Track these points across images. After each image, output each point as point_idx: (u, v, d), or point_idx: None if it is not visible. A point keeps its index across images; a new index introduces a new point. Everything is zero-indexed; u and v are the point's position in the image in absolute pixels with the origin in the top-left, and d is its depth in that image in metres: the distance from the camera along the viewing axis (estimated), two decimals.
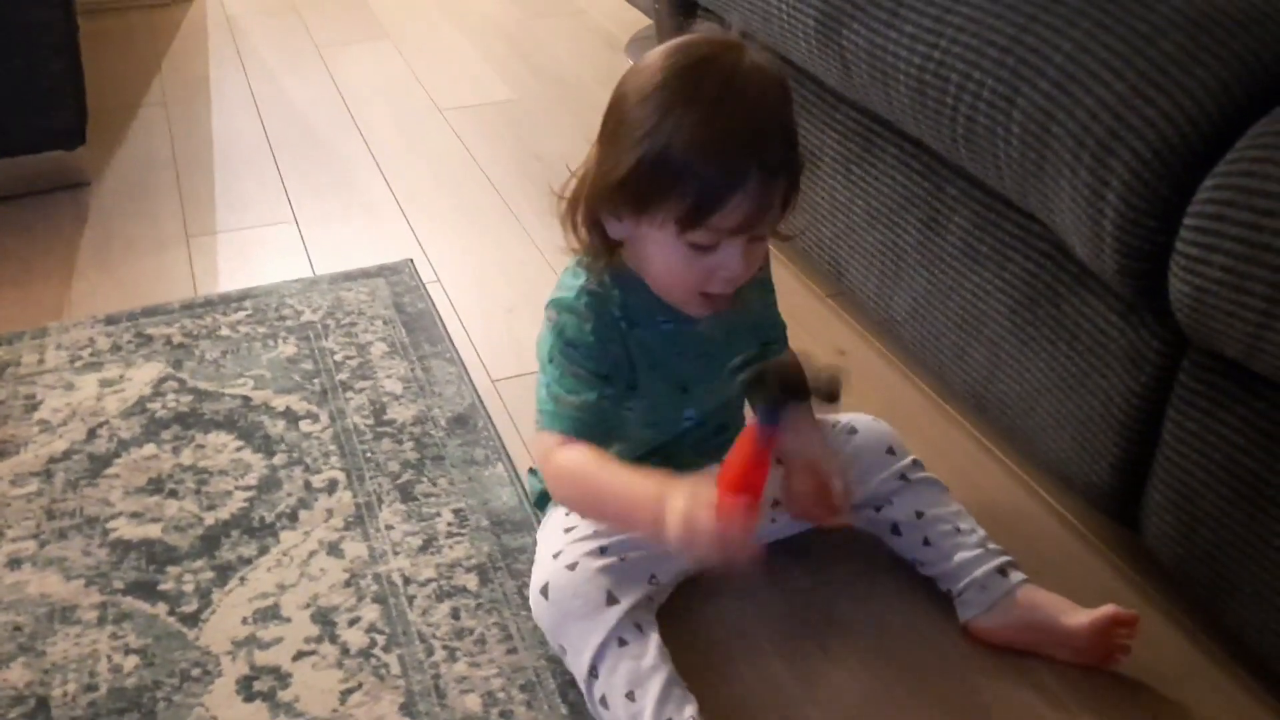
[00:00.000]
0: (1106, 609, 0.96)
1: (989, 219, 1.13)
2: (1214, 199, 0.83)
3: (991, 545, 1.02)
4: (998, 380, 1.16)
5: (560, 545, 0.98)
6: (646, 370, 0.98)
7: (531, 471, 1.13)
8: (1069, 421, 1.06)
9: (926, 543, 1.04)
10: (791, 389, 0.85)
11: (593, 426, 0.94)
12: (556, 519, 1.01)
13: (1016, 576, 1.00)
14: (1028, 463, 1.22)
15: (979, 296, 1.16)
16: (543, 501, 1.08)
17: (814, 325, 1.47)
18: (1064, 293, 1.05)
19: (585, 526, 0.98)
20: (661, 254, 0.91)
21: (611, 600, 0.93)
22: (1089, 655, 0.98)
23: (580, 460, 0.92)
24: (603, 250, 0.95)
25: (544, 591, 0.95)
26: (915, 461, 1.08)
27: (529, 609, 1.02)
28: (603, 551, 0.96)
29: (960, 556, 1.02)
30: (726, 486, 0.82)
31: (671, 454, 1.02)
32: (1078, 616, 0.97)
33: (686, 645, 0.98)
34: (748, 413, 0.92)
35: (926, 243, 1.22)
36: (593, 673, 0.91)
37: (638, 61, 0.91)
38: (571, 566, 0.95)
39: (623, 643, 0.91)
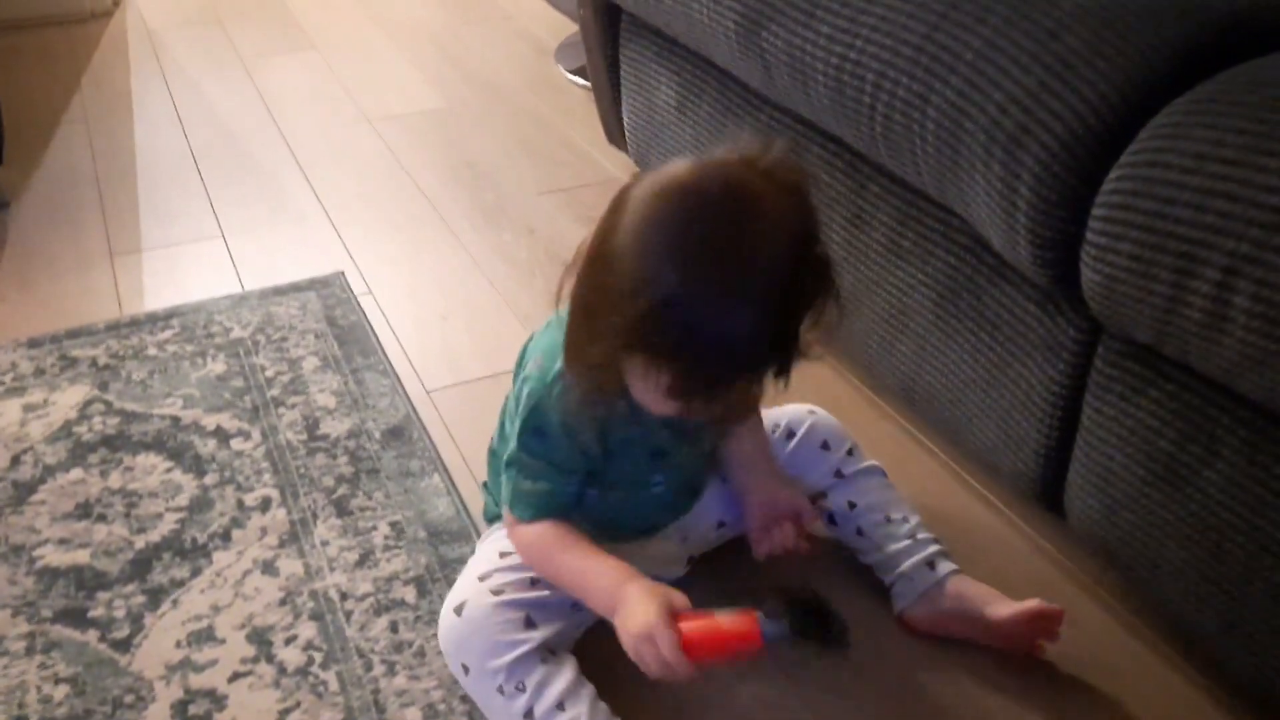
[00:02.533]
0: (1031, 603, 0.97)
1: (911, 215, 1.15)
2: (1120, 189, 0.85)
3: (921, 535, 1.04)
4: (925, 373, 1.18)
5: (490, 568, 0.96)
6: (620, 445, 0.94)
7: (484, 487, 1.11)
8: (993, 410, 1.08)
9: (860, 533, 1.06)
10: (811, 630, 0.86)
11: (551, 509, 0.94)
12: (494, 544, 1.00)
13: (945, 567, 1.02)
14: (957, 452, 1.25)
15: (904, 291, 1.18)
16: (492, 520, 1.07)
17: None
18: (984, 285, 1.07)
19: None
20: (640, 388, 0.83)
21: (530, 625, 0.92)
22: (1014, 642, 0.99)
23: (539, 541, 0.94)
24: (589, 379, 0.85)
25: (458, 610, 0.93)
26: (851, 452, 1.09)
27: None
28: (533, 583, 0.95)
29: (891, 548, 1.03)
30: (693, 644, 0.84)
31: (639, 516, 1.02)
32: (1002, 608, 0.98)
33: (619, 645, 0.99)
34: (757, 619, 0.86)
35: (852, 240, 1.24)
36: (519, 687, 0.89)
37: (646, 183, 0.80)
38: (497, 591, 0.94)
39: (544, 660, 0.90)
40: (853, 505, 1.07)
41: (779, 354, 0.80)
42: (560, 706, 0.88)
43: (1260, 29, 0.92)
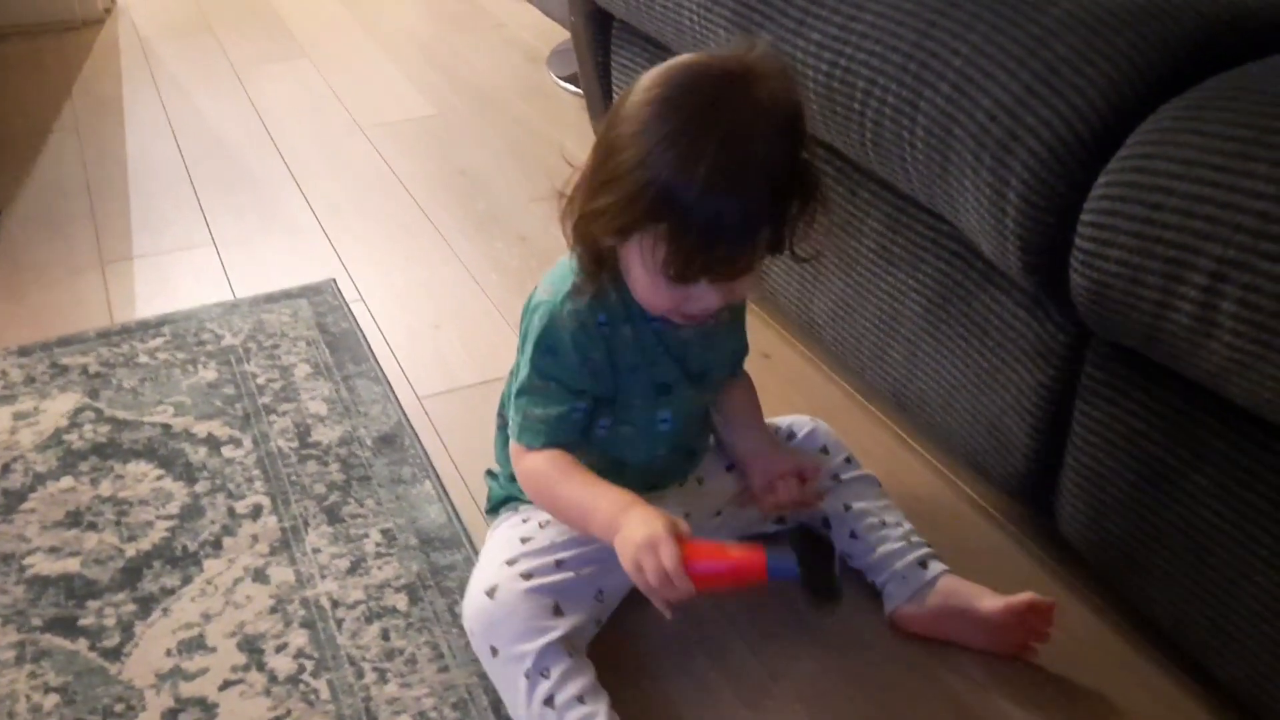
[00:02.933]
0: (1025, 595, 0.98)
1: (901, 221, 1.16)
2: (1107, 195, 0.86)
3: (915, 538, 1.05)
4: (916, 378, 1.18)
5: (516, 553, 0.98)
6: (628, 371, 0.96)
7: (489, 474, 1.12)
8: (984, 415, 1.09)
9: (853, 535, 1.07)
10: (819, 574, 0.87)
11: (561, 437, 0.95)
12: (512, 529, 1.02)
13: (937, 567, 1.03)
14: (948, 457, 1.25)
15: (894, 297, 1.18)
16: (497, 508, 1.08)
17: None
18: (974, 290, 1.07)
19: (542, 539, 0.99)
20: (641, 277, 0.88)
21: (558, 612, 0.94)
22: (1006, 641, 1.00)
23: (545, 468, 0.95)
24: (593, 266, 0.91)
25: (490, 593, 0.95)
26: (849, 459, 1.11)
27: (460, 626, 1.02)
28: (559, 565, 0.97)
29: (884, 549, 1.04)
30: (696, 559, 0.84)
31: (648, 455, 1.03)
32: (994, 600, 0.99)
33: (620, 652, 0.99)
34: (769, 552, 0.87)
35: (843, 246, 1.24)
36: (543, 673, 0.91)
37: (647, 73, 0.86)
38: (527, 575, 0.95)
39: (570, 654, 0.92)
40: (848, 507, 1.07)
41: (770, 227, 0.84)
42: (580, 700, 0.90)
43: (1247, 35, 0.92)
